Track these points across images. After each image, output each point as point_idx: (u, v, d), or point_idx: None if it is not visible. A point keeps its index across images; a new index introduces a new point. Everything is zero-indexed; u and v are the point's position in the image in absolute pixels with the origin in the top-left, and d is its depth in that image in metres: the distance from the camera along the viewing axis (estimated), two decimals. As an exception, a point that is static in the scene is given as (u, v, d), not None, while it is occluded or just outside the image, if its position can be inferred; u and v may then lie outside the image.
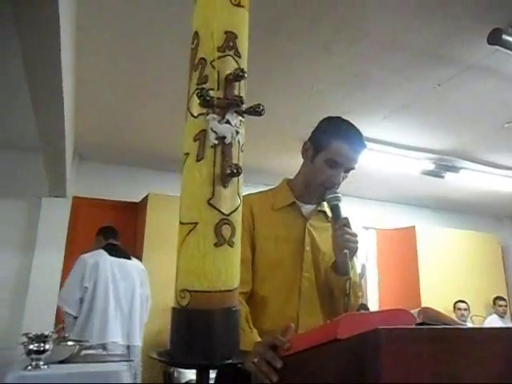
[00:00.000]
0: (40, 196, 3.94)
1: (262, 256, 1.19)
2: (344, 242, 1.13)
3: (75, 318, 2.82)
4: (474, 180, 4.55)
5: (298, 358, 0.83)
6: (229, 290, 0.64)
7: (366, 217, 5.51)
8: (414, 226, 5.27)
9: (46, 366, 1.77)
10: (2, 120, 3.42)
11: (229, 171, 0.64)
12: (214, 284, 0.62)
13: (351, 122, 1.30)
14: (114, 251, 3.09)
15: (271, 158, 4.17)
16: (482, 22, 2.27)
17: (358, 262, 5.00)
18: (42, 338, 1.75)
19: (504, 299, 5.27)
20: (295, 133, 3.61)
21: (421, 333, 0.74)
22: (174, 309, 0.64)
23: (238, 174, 0.65)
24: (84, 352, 2.18)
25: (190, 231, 0.64)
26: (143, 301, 3.10)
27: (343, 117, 1.32)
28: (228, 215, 0.65)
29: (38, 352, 1.73)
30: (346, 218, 1.18)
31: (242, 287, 1.07)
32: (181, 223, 0.66)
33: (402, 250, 5.34)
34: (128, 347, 2.88)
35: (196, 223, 0.64)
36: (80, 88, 2.95)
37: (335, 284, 1.20)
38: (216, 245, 0.63)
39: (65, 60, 1.91)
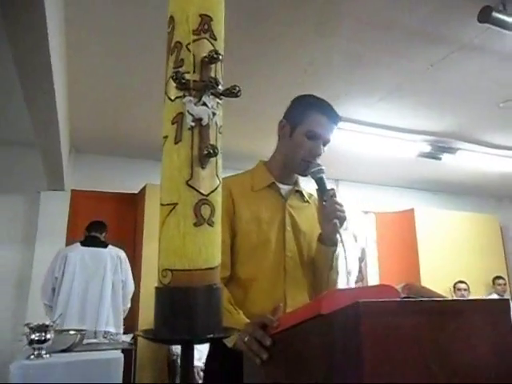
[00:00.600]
0: (39, 190, 3.97)
1: (244, 239, 1.20)
2: (333, 212, 1.15)
3: (51, 306, 3.05)
4: (471, 161, 4.55)
5: (285, 336, 0.85)
6: (210, 268, 0.66)
7: (364, 201, 5.53)
8: (412, 209, 5.29)
9: (48, 355, 1.81)
10: (-2, 116, 3.44)
11: (206, 152, 0.66)
12: (195, 262, 0.64)
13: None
14: (89, 242, 3.29)
15: (265, 144, 4.15)
16: (473, 1, 2.25)
17: (358, 245, 4.97)
18: (42, 328, 1.79)
19: (503, 278, 5.31)
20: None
21: (401, 305, 0.75)
22: (156, 288, 0.66)
23: (215, 154, 0.66)
24: (86, 341, 2.22)
25: (170, 212, 0.66)
26: (116, 286, 3.22)
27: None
28: (207, 195, 0.67)
29: (40, 341, 1.77)
30: (333, 189, 1.19)
31: (220, 272, 1.08)
32: (161, 205, 0.68)
33: (402, 232, 5.36)
34: (95, 332, 2.97)
35: (175, 204, 0.66)
36: (73, 83, 2.97)
37: (322, 257, 1.22)
38: (195, 224, 0.65)
39: (55, 60, 1.94)
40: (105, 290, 3.14)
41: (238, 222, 1.20)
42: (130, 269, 3.40)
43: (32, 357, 1.78)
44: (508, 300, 0.84)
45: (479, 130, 4.02)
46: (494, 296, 5.22)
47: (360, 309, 0.68)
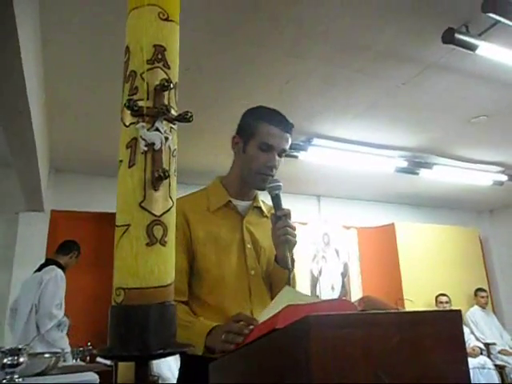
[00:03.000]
0: (17, 211, 3.93)
1: (203, 261, 1.18)
2: (284, 234, 1.14)
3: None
4: (448, 175, 4.66)
5: (245, 351, 0.88)
6: (162, 286, 0.68)
7: (346, 216, 5.59)
8: (393, 223, 5.36)
9: (21, 379, 1.78)
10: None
11: (157, 175, 0.69)
12: (147, 281, 0.67)
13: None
14: (40, 266, 3.44)
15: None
16: (437, 23, 2.36)
17: (341, 261, 4.95)
18: (15, 352, 1.76)
19: (485, 290, 5.38)
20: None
21: (349, 318, 0.78)
22: (111, 307, 0.68)
23: (166, 177, 0.69)
24: (62, 364, 2.19)
25: (124, 233, 0.69)
26: (32, 309, 3.24)
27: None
28: (159, 216, 0.70)
29: (12, 366, 1.74)
30: (288, 210, 1.18)
31: (179, 296, 1.06)
32: (116, 226, 0.71)
33: (383, 247, 5.42)
34: None
35: (128, 225, 0.68)
36: (51, 103, 2.98)
37: (278, 277, 1.22)
38: (148, 244, 0.68)
39: (30, 81, 1.96)
40: (21, 314, 3.22)
41: (194, 244, 1.18)
42: (50, 292, 3.26)
43: (4, 381, 1.75)
44: (459, 311, 0.86)
45: (453, 145, 4.13)
46: (476, 308, 5.29)
47: (309, 322, 0.70)
